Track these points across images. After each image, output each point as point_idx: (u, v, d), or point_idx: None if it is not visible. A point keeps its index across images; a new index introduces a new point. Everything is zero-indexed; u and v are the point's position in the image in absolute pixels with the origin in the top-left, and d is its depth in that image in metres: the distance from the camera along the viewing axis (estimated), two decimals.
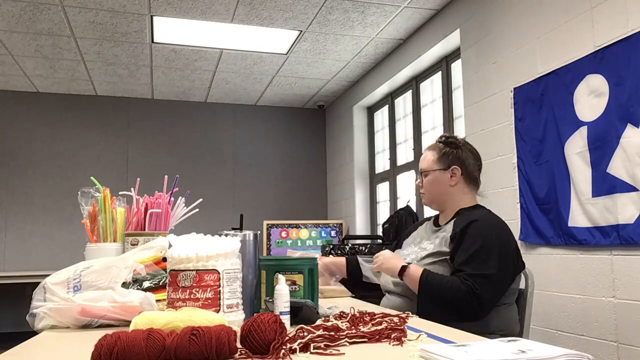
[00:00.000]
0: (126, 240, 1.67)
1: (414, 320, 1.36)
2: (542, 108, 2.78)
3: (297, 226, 5.62)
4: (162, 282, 1.40)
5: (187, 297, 1.17)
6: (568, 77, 2.61)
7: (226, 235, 1.37)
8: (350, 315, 1.36)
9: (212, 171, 6.06)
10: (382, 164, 5.32)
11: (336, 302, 1.81)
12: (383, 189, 5.29)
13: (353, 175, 5.53)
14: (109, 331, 0.90)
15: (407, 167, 4.71)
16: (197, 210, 1.87)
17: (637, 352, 2.25)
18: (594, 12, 2.50)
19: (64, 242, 5.49)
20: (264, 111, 6.30)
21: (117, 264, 1.39)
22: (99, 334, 0.92)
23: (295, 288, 1.39)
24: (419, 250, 1.83)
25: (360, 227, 5.43)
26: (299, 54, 4.64)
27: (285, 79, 5.34)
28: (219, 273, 1.20)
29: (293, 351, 0.96)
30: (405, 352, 0.98)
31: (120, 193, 1.85)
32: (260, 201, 6.14)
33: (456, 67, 3.96)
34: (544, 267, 2.75)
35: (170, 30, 4.11)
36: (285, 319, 1.22)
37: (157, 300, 1.31)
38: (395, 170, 4.96)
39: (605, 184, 2.37)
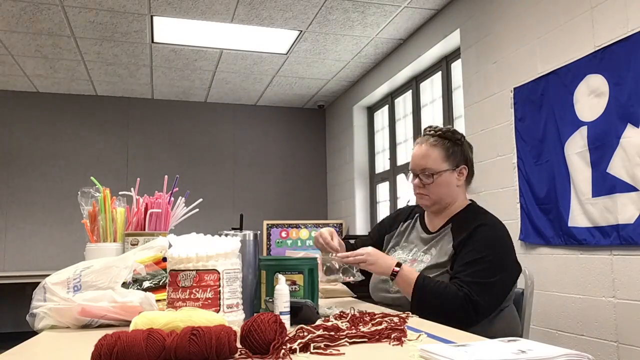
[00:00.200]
0: (126, 240, 1.67)
1: (414, 320, 1.36)
2: (542, 108, 2.78)
3: (297, 226, 5.62)
4: (162, 282, 1.40)
5: (187, 297, 1.17)
6: (568, 77, 2.61)
7: (226, 235, 1.37)
8: (350, 315, 1.36)
9: (212, 171, 6.06)
10: (382, 164, 5.32)
11: (337, 302, 1.82)
12: (383, 189, 5.29)
13: (353, 175, 5.53)
14: (109, 331, 0.90)
15: (407, 167, 4.71)
16: (197, 210, 1.87)
17: (637, 352, 2.25)
18: (594, 12, 2.50)
19: (64, 242, 5.49)
20: (264, 111, 6.30)
21: (117, 264, 1.39)
22: (99, 334, 0.92)
23: (295, 288, 1.39)
24: (415, 262, 1.71)
25: (360, 227, 5.43)
26: (299, 54, 4.64)
27: (285, 79, 5.34)
28: (219, 273, 1.20)
29: (293, 351, 0.96)
30: (405, 352, 0.98)
31: (120, 193, 1.85)
32: (260, 201, 6.14)
33: (456, 67, 3.96)
34: (544, 267, 2.75)
35: (170, 30, 4.11)
36: (285, 319, 1.22)
37: (157, 300, 1.31)
38: (395, 170, 4.96)
39: (605, 184, 2.37)
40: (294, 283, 1.39)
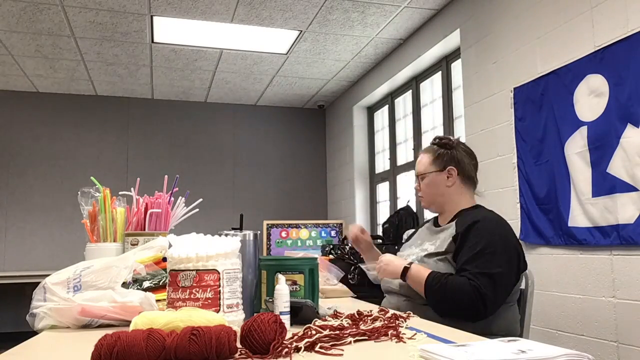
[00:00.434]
0: (126, 240, 1.67)
1: (414, 320, 1.36)
2: (542, 108, 2.78)
3: (297, 226, 5.62)
4: (162, 282, 1.40)
5: (187, 297, 1.17)
6: (568, 77, 2.61)
7: (226, 235, 1.37)
8: (345, 314, 1.36)
9: (212, 171, 6.06)
10: (382, 164, 5.32)
11: (337, 302, 1.82)
12: (383, 189, 5.29)
13: (353, 175, 5.53)
14: (109, 331, 0.90)
15: (407, 167, 4.71)
16: (197, 210, 1.87)
17: (637, 352, 2.25)
18: (594, 12, 2.50)
19: (64, 242, 5.49)
20: (264, 111, 6.30)
21: (117, 264, 1.39)
22: (99, 334, 0.92)
23: (295, 288, 1.39)
24: (420, 251, 1.82)
25: None
26: (299, 54, 4.64)
27: (285, 79, 5.34)
28: (219, 273, 1.20)
29: (297, 350, 0.96)
30: (405, 352, 0.98)
31: (120, 193, 1.85)
32: (260, 201, 6.14)
33: (456, 67, 3.96)
34: (544, 267, 2.75)
35: (170, 30, 4.11)
36: (285, 319, 1.22)
37: (157, 300, 1.31)
38: (395, 170, 4.96)
39: (605, 184, 2.37)
40: (294, 283, 1.40)
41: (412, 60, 4.25)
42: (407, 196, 4.63)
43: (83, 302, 1.29)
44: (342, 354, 0.96)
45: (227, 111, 6.18)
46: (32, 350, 1.08)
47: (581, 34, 2.56)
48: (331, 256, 3.71)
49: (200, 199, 1.98)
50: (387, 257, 1.80)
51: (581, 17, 2.57)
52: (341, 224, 5.69)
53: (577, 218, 2.53)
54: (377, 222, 5.34)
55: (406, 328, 1.22)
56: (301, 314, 1.28)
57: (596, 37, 2.48)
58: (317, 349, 0.99)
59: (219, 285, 1.19)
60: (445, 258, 1.71)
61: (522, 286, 1.82)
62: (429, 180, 1.87)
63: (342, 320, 1.27)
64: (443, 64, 4.12)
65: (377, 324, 1.23)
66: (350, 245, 3.84)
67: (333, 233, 5.66)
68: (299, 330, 1.10)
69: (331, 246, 3.91)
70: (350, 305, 1.72)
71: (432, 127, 4.36)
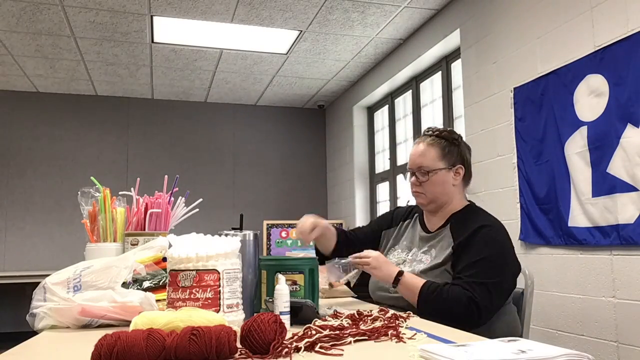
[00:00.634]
0: (126, 240, 1.67)
1: (414, 320, 1.36)
2: (542, 108, 2.78)
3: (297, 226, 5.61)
4: (162, 282, 1.40)
5: (187, 297, 1.17)
6: (568, 77, 2.61)
7: (226, 235, 1.37)
8: (345, 314, 1.36)
9: (212, 171, 6.06)
10: (382, 164, 5.32)
11: (337, 302, 1.82)
12: (383, 189, 5.29)
13: (353, 175, 5.53)
14: (109, 331, 0.90)
15: (407, 167, 4.71)
16: (197, 210, 1.87)
17: (637, 352, 2.25)
18: (594, 12, 2.50)
19: (64, 242, 5.49)
20: (264, 111, 6.30)
21: (117, 264, 1.39)
22: (99, 334, 0.92)
23: (296, 288, 1.39)
24: (414, 262, 1.73)
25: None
26: (299, 54, 4.64)
27: (285, 79, 5.34)
28: (219, 273, 1.20)
29: (297, 350, 0.96)
30: (405, 352, 0.98)
31: (120, 193, 1.85)
32: (260, 201, 6.14)
33: (456, 67, 3.96)
34: (544, 267, 2.75)
35: (170, 30, 4.11)
36: (285, 319, 1.22)
37: (157, 300, 1.31)
38: (395, 170, 4.96)
39: (605, 184, 2.37)
40: (294, 283, 1.40)
41: (412, 60, 4.26)
42: (407, 196, 4.63)
43: (83, 302, 1.29)
44: (341, 354, 0.96)
45: (227, 111, 6.18)
46: (32, 350, 1.08)
47: (581, 34, 2.56)
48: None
49: (200, 199, 1.98)
50: (381, 257, 1.67)
51: (581, 17, 2.57)
52: (341, 224, 5.69)
53: (577, 218, 2.53)
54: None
55: (406, 328, 1.22)
56: (301, 314, 1.28)
57: (596, 37, 2.48)
58: (317, 349, 0.99)
59: (219, 285, 1.19)
60: (445, 270, 1.63)
61: (522, 286, 1.82)
62: (438, 178, 1.72)
63: (342, 320, 1.27)
64: (443, 64, 4.12)
65: (377, 324, 1.23)
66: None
67: None
68: (299, 330, 1.10)
69: None
70: (350, 305, 1.72)
71: None
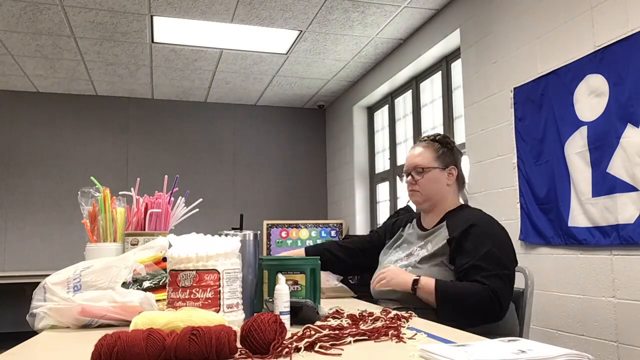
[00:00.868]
0: (126, 240, 1.67)
1: (414, 320, 1.36)
2: (542, 108, 2.78)
3: (297, 226, 5.62)
4: (162, 282, 1.40)
5: (187, 297, 1.17)
6: (568, 77, 2.61)
7: (226, 235, 1.37)
8: (345, 314, 1.36)
9: (212, 171, 6.06)
10: (382, 164, 5.32)
11: (337, 302, 1.82)
12: (383, 189, 5.29)
13: (353, 175, 5.53)
14: (109, 331, 0.90)
15: (403, 170, 4.71)
16: (197, 210, 1.87)
17: (637, 352, 2.25)
18: (594, 12, 2.50)
19: (64, 242, 5.49)
20: (264, 111, 6.30)
21: (117, 264, 1.39)
22: (99, 334, 0.92)
23: (297, 288, 1.39)
24: (411, 257, 1.78)
25: (360, 227, 5.43)
26: (299, 54, 4.64)
27: (285, 79, 5.34)
28: (219, 273, 1.20)
29: (297, 350, 0.96)
30: (405, 352, 0.98)
31: (120, 193, 1.85)
32: (260, 201, 6.14)
33: (456, 67, 3.96)
34: (544, 267, 2.75)
35: (170, 30, 4.11)
36: (285, 319, 1.22)
37: (157, 300, 1.31)
38: (395, 170, 4.96)
39: (605, 184, 2.37)
40: (295, 283, 1.40)
41: (412, 60, 4.26)
42: (407, 196, 4.62)
43: (83, 302, 1.29)
44: (341, 354, 0.96)
45: (227, 111, 6.18)
46: (32, 350, 1.08)
47: (581, 34, 2.56)
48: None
49: (200, 199, 1.98)
50: (394, 269, 1.75)
51: (581, 17, 2.57)
52: (341, 224, 5.69)
53: (577, 218, 2.53)
54: (377, 222, 5.34)
55: (406, 328, 1.22)
56: (301, 314, 1.28)
57: (596, 37, 2.48)
58: (316, 348, 0.99)
59: (219, 285, 1.19)
60: (441, 261, 1.69)
61: (522, 286, 1.82)
62: (432, 176, 1.82)
63: (342, 320, 1.27)
64: (443, 64, 4.12)
65: (378, 324, 1.23)
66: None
67: (333, 233, 5.65)
68: (298, 330, 1.10)
69: None
70: (350, 305, 1.72)
71: (432, 127, 4.36)
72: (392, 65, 4.63)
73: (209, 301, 1.18)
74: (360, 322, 1.25)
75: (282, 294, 1.23)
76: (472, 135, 3.39)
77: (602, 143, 2.39)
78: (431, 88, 4.41)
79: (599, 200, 2.40)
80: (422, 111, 4.52)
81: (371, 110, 5.52)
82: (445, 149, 1.85)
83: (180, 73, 5.11)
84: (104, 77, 5.21)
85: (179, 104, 6.04)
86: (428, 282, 1.63)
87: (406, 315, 1.39)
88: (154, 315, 1.02)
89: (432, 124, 4.36)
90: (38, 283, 1.37)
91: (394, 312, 1.45)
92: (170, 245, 1.26)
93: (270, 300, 1.29)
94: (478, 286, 1.57)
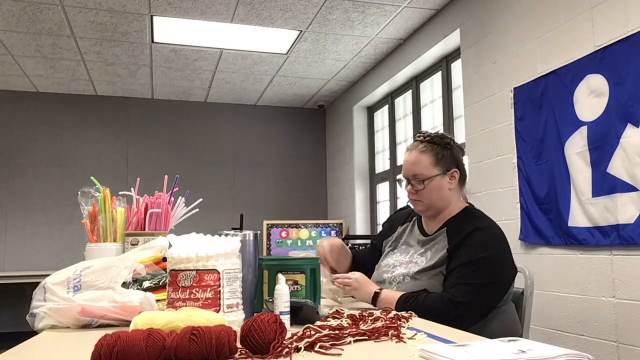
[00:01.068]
0: (126, 240, 1.67)
1: (414, 320, 1.36)
2: (542, 108, 2.78)
3: (297, 226, 5.62)
4: (162, 282, 1.40)
5: (187, 297, 1.17)
6: (568, 77, 2.61)
7: (226, 235, 1.37)
8: (345, 315, 1.36)
9: (212, 171, 6.06)
10: (382, 164, 5.32)
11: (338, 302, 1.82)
12: (383, 188, 5.29)
13: (353, 175, 5.53)
14: (109, 331, 0.90)
15: (402, 173, 4.71)
16: (197, 210, 1.87)
17: (637, 352, 2.25)
18: (594, 12, 2.50)
19: (64, 242, 5.49)
20: (264, 111, 6.30)
21: (117, 264, 1.38)
22: (99, 334, 0.92)
23: (297, 288, 1.39)
24: (410, 264, 1.74)
25: (360, 227, 5.43)
26: (299, 54, 4.64)
27: (285, 79, 5.34)
28: (219, 273, 1.20)
29: (297, 350, 0.96)
30: (405, 352, 0.98)
31: (120, 193, 1.85)
32: (260, 201, 6.14)
33: (456, 67, 3.96)
34: (544, 267, 2.75)
35: (170, 30, 4.11)
36: (285, 319, 1.22)
37: (157, 300, 1.31)
38: (395, 170, 4.96)
39: (605, 184, 2.37)
40: (295, 283, 1.39)
41: (412, 60, 4.26)
42: (407, 196, 4.62)
43: (83, 302, 1.28)
44: (341, 354, 0.96)
45: (227, 111, 6.18)
46: (32, 350, 1.08)
47: (581, 34, 2.56)
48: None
49: (200, 199, 1.98)
50: (361, 278, 1.70)
51: (581, 17, 2.57)
52: (341, 224, 5.69)
53: (577, 218, 2.53)
54: (377, 222, 5.34)
55: (406, 328, 1.22)
56: (301, 314, 1.28)
57: (596, 37, 2.48)
58: (316, 348, 0.98)
59: (219, 285, 1.19)
60: (439, 272, 1.64)
61: (522, 286, 1.82)
62: (434, 185, 1.73)
63: (342, 320, 1.27)
64: (443, 64, 4.12)
65: (378, 324, 1.23)
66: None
67: (333, 233, 5.66)
68: (298, 330, 1.10)
69: None
70: (350, 305, 1.72)
71: (432, 127, 4.36)
72: (392, 65, 4.63)
73: (209, 301, 1.18)
74: (360, 322, 1.25)
75: (282, 294, 1.23)
76: (472, 135, 3.39)
77: (602, 143, 2.39)
78: (431, 88, 4.41)
79: (599, 200, 2.40)
80: (422, 111, 4.52)
81: (371, 110, 5.52)
82: (445, 150, 1.75)
83: (180, 73, 5.11)
84: (104, 77, 5.21)
85: (179, 104, 6.04)
86: (389, 296, 1.62)
87: (406, 315, 1.39)
88: (154, 315, 1.02)
89: (432, 124, 4.36)
90: (38, 283, 1.37)
91: (394, 312, 1.45)
92: (170, 245, 1.26)
93: (270, 300, 1.29)
94: (435, 297, 1.56)
